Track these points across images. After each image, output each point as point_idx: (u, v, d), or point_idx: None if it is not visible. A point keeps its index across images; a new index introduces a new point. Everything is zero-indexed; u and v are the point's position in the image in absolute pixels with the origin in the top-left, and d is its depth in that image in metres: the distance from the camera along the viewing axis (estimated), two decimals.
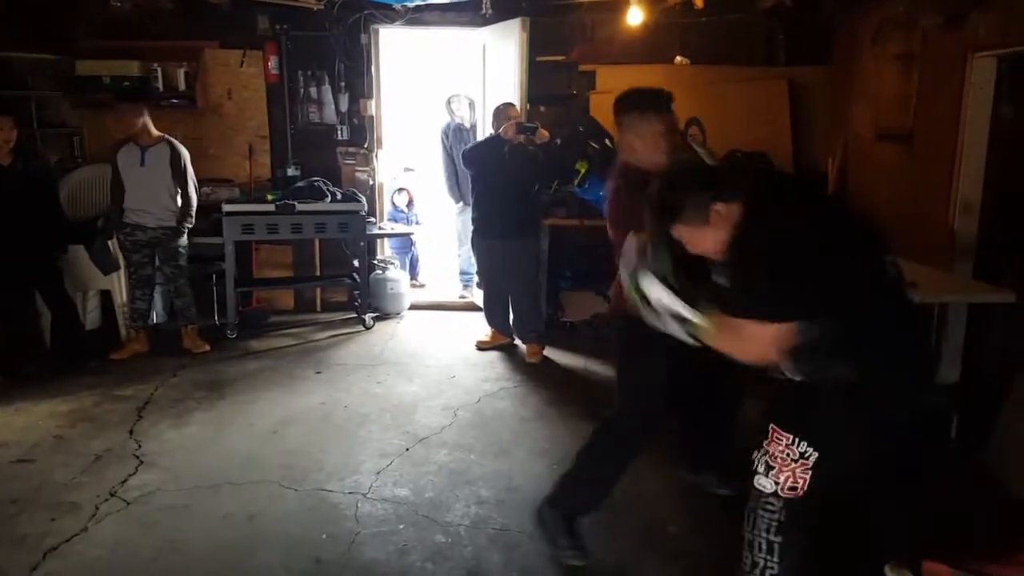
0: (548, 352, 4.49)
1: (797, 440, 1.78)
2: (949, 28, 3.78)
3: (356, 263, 5.15)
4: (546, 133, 4.30)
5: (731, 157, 4.93)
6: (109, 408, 3.65)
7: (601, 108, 5.18)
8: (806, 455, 1.76)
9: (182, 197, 4.31)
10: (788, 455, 1.79)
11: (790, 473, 1.78)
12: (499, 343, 4.62)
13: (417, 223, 6.29)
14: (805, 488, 1.78)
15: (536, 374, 4.21)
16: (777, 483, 1.80)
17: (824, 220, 1.77)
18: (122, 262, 4.43)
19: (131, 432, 3.37)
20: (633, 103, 2.40)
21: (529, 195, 4.24)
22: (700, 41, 5.07)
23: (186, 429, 3.42)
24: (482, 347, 4.63)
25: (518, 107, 4.72)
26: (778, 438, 1.80)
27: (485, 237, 4.44)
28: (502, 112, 4.39)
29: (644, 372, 2.31)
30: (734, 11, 4.83)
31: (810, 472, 1.77)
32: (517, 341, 4.62)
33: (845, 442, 1.79)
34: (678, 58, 5.14)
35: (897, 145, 4.26)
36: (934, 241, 3.85)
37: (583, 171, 4.85)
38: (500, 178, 4.24)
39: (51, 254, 4.18)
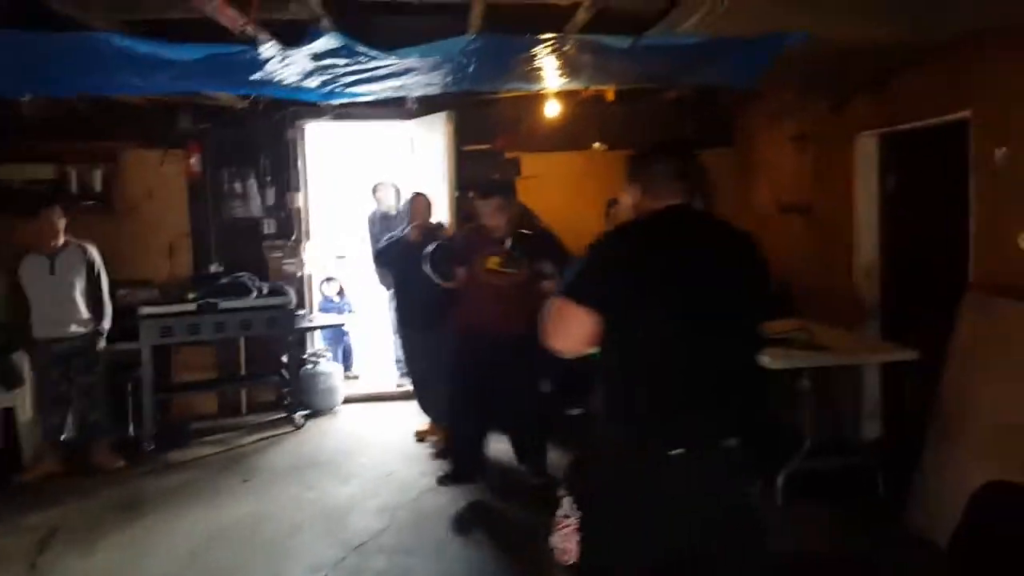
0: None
1: (565, 492, 1.74)
2: (835, 111, 4.19)
3: (285, 359, 4.99)
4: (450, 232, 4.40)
5: None
6: (9, 541, 3.33)
7: (528, 193, 5.35)
8: (571, 514, 1.69)
9: (97, 301, 4.16)
10: (561, 509, 1.73)
11: (563, 532, 1.70)
12: (436, 434, 4.51)
13: (350, 311, 6.20)
14: (576, 557, 1.66)
15: None
16: (555, 543, 1.72)
17: (649, 254, 1.68)
18: (28, 377, 4.15)
19: (34, 567, 3.07)
20: (478, 190, 3.81)
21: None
22: (616, 128, 5.35)
23: (97, 557, 3.15)
24: (421, 437, 4.50)
25: (447, 193, 4.81)
26: (561, 492, 1.78)
27: (405, 326, 4.48)
28: (412, 203, 4.40)
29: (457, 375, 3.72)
30: (642, 101, 5.15)
31: (577, 538, 1.66)
32: None
33: (603, 504, 1.67)
34: (596, 144, 5.41)
35: (799, 218, 4.59)
36: (842, 305, 4.11)
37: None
38: (413, 273, 4.13)
39: None
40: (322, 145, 5.90)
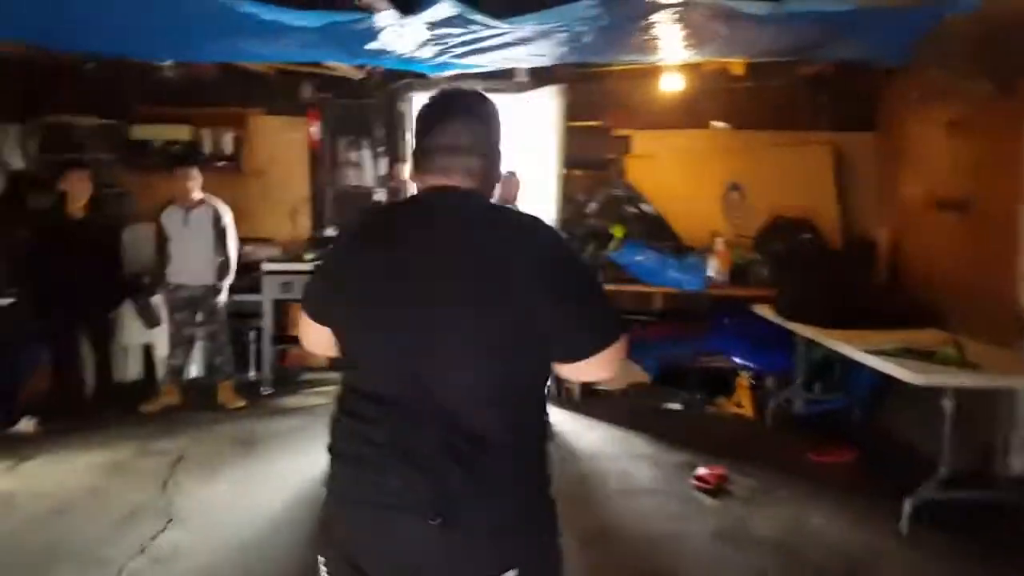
0: (584, 421, 4.35)
1: None
2: (1002, 95, 3.61)
3: None
4: None
5: (775, 224, 4.78)
6: (144, 462, 3.66)
7: (638, 172, 5.13)
8: None
9: (223, 255, 4.45)
10: None
11: None
12: None
13: None
14: None
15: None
16: None
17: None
18: (165, 317, 4.57)
19: (164, 487, 3.37)
20: None
21: None
22: (740, 106, 5.00)
23: (218, 487, 3.40)
24: None
25: (555, 171, 4.68)
26: None
27: None
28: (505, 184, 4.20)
29: None
30: (775, 77, 4.74)
31: None
32: None
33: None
34: (714, 123, 5.06)
35: (953, 215, 4.03)
36: (999, 317, 3.57)
37: (619, 235, 4.78)
38: None
39: (107, 308, 4.46)
40: None
